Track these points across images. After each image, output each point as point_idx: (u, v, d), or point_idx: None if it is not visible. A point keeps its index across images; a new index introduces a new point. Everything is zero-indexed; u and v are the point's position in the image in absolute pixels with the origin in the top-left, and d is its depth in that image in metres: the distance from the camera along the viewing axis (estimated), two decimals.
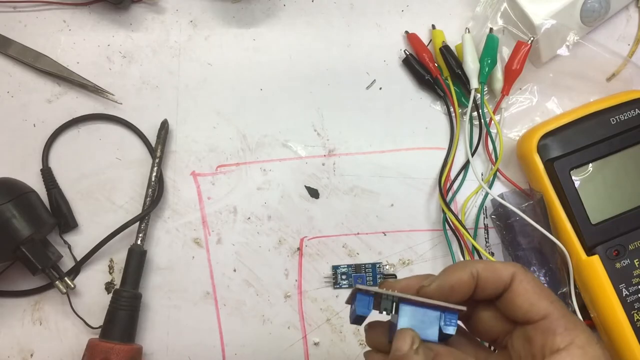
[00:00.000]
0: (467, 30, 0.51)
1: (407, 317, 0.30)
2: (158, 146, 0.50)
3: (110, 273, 0.50)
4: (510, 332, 0.32)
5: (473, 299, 0.32)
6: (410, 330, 0.29)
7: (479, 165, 0.51)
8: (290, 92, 0.52)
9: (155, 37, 0.53)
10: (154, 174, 0.50)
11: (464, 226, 0.48)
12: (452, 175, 0.51)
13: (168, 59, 0.53)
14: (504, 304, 0.31)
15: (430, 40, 0.52)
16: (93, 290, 0.49)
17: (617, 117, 0.47)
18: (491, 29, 0.51)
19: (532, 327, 0.30)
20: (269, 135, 0.52)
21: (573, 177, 0.47)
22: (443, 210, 0.49)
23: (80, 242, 0.50)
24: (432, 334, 0.30)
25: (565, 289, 0.47)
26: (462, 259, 0.49)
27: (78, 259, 0.49)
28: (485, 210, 0.50)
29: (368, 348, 0.33)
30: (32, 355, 0.49)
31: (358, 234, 0.50)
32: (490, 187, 0.50)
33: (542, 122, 0.49)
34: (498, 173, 0.50)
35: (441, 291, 0.31)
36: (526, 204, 0.48)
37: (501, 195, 0.50)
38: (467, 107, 0.50)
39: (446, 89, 0.51)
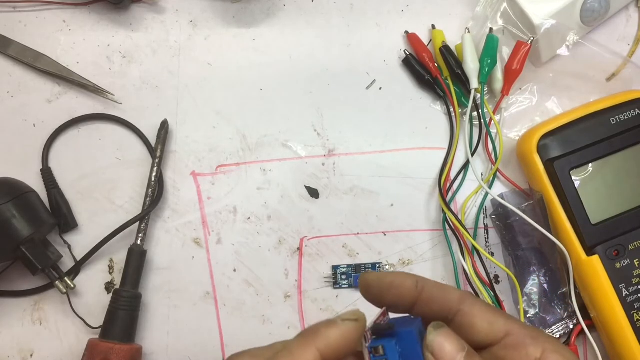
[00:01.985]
0: (467, 30, 0.51)
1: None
2: (158, 146, 0.50)
3: (110, 273, 0.50)
4: None
5: (422, 316, 0.30)
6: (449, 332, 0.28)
7: (479, 165, 0.51)
8: (290, 92, 0.52)
9: (155, 37, 0.53)
10: (154, 174, 0.50)
11: (464, 226, 0.48)
12: (452, 175, 0.51)
13: (168, 59, 0.53)
14: (463, 329, 0.30)
15: (430, 40, 0.52)
16: (93, 290, 0.49)
17: (617, 117, 0.47)
18: (491, 29, 0.51)
19: (499, 348, 0.29)
20: (269, 135, 0.52)
21: (573, 177, 0.47)
22: (443, 210, 0.49)
23: (80, 242, 0.50)
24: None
25: (565, 289, 0.47)
26: (462, 259, 0.49)
27: (78, 259, 0.49)
28: (485, 210, 0.50)
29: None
30: (32, 355, 0.49)
31: (358, 234, 0.50)
32: (490, 187, 0.50)
33: (542, 122, 0.49)
34: (498, 173, 0.50)
35: (379, 283, 0.29)
36: (526, 204, 0.48)
37: (501, 195, 0.50)
38: (467, 107, 0.50)
39: (446, 89, 0.51)
